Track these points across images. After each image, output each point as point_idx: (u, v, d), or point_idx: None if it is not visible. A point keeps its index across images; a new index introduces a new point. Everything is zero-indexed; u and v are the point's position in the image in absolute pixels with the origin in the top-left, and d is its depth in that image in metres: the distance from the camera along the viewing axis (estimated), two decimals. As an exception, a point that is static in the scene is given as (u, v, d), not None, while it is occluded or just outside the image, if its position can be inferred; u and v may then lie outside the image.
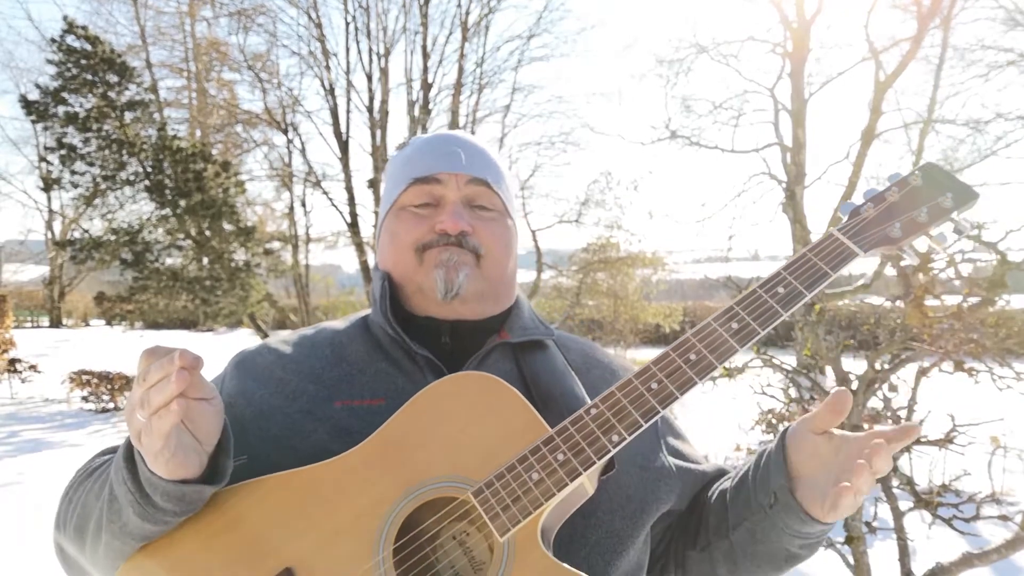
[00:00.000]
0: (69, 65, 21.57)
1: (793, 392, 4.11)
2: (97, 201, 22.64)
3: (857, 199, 1.06)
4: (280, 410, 1.05)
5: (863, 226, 1.00)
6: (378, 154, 22.28)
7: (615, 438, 0.90)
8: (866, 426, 3.36)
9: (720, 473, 1.20)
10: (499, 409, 0.94)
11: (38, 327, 36.96)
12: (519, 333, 1.13)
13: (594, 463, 0.89)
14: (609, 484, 1.03)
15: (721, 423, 9.55)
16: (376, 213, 22.16)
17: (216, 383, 1.14)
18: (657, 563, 1.17)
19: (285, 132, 23.76)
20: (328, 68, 22.68)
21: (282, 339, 1.19)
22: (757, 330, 0.93)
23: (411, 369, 1.08)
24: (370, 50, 22.50)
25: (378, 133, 22.48)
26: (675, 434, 1.21)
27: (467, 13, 22.02)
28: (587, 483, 0.91)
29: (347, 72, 22.79)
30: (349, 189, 22.56)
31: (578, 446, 0.90)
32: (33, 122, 23.16)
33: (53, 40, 21.63)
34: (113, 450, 1.09)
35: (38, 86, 21.89)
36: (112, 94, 21.81)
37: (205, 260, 22.61)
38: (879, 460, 0.88)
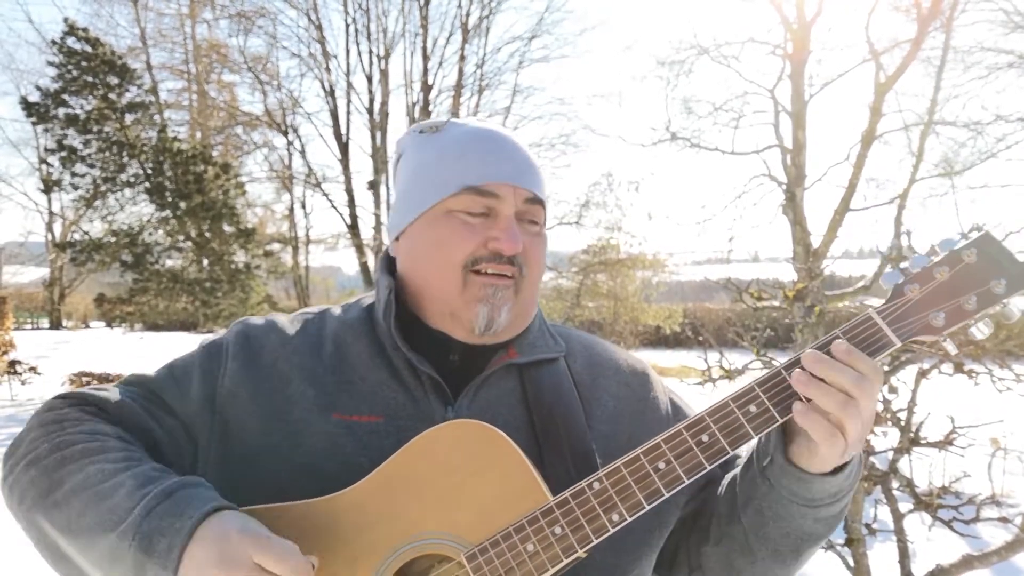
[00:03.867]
0: (70, 67, 21.63)
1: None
2: (97, 203, 22.71)
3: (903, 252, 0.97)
4: (280, 416, 1.02)
5: (905, 311, 0.91)
6: (378, 156, 22.28)
7: (615, 518, 0.88)
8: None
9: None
10: (499, 466, 0.92)
11: (38, 329, 36.94)
12: (527, 351, 1.09)
13: (591, 542, 0.88)
14: None
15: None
16: (376, 215, 22.19)
17: (217, 350, 1.09)
18: (670, 569, 1.13)
19: (285, 134, 23.80)
20: (328, 70, 22.74)
21: (288, 320, 1.14)
22: (776, 417, 0.89)
23: (413, 385, 1.04)
24: (370, 52, 22.56)
25: (378, 135, 22.51)
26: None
27: (467, 15, 22.08)
28: (581, 553, 0.90)
29: (347, 74, 22.84)
30: (349, 191, 22.61)
31: (577, 522, 0.88)
32: (34, 124, 23.23)
33: (54, 42, 21.70)
34: (78, 398, 1.01)
35: (39, 88, 21.97)
36: (112, 96, 21.87)
37: (205, 262, 22.64)
38: (811, 364, 0.88)
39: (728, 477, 1.09)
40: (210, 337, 1.14)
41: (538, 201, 1.08)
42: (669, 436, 0.90)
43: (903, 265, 0.95)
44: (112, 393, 1.03)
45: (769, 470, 0.95)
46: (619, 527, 0.88)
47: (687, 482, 0.89)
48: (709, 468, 0.89)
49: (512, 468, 0.92)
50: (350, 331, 1.10)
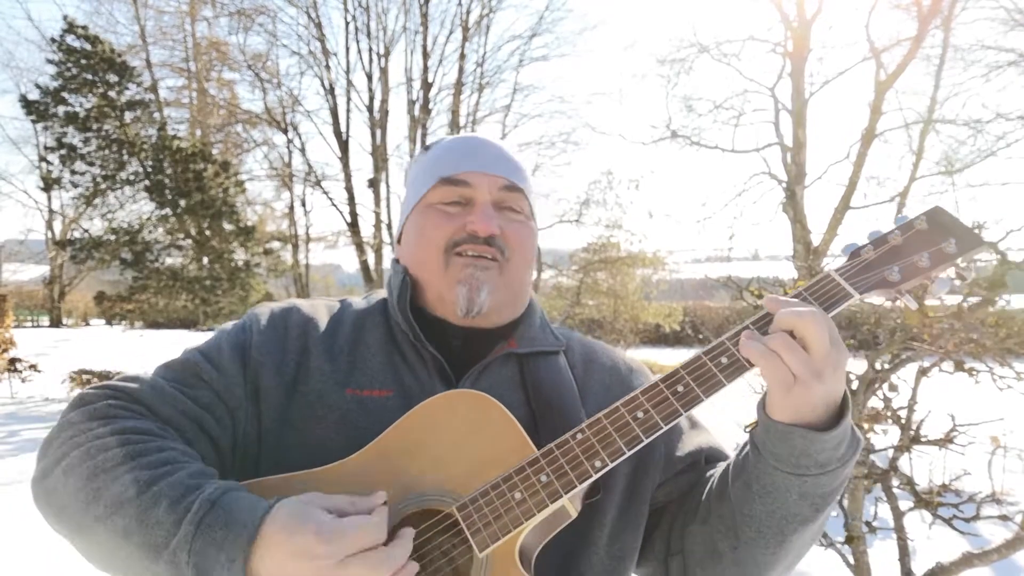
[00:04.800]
0: (69, 65, 21.59)
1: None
2: (97, 201, 22.67)
3: (863, 237, 1.05)
4: (298, 388, 1.07)
5: (861, 268, 1.01)
6: (378, 154, 22.28)
7: (598, 464, 0.93)
8: (866, 426, 3.36)
9: (713, 453, 1.19)
10: (490, 428, 0.98)
11: (38, 327, 37.00)
12: (527, 344, 1.16)
13: (575, 487, 0.92)
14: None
15: (720, 422, 9.55)
16: (376, 213, 22.19)
17: (241, 326, 1.13)
18: (651, 550, 1.15)
19: (285, 132, 23.79)
20: (328, 68, 22.72)
21: (309, 303, 1.20)
22: (746, 366, 0.94)
23: (419, 366, 1.11)
24: (370, 49, 22.53)
25: (378, 133, 22.50)
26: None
27: (467, 13, 22.07)
28: (569, 506, 0.94)
29: (347, 72, 22.82)
30: (349, 189, 22.59)
31: (561, 469, 0.93)
32: (33, 122, 23.19)
33: (53, 40, 21.65)
34: (109, 391, 0.99)
35: (38, 86, 21.91)
36: (112, 94, 21.84)
37: (205, 260, 22.63)
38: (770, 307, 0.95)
39: (724, 463, 1.12)
40: (230, 321, 1.18)
41: (517, 189, 1.15)
42: (647, 388, 0.96)
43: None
44: (144, 380, 1.03)
45: (755, 433, 0.98)
46: (601, 472, 0.93)
47: (664, 428, 0.94)
48: (684, 413, 0.94)
49: (503, 430, 0.98)
50: (369, 317, 1.17)
